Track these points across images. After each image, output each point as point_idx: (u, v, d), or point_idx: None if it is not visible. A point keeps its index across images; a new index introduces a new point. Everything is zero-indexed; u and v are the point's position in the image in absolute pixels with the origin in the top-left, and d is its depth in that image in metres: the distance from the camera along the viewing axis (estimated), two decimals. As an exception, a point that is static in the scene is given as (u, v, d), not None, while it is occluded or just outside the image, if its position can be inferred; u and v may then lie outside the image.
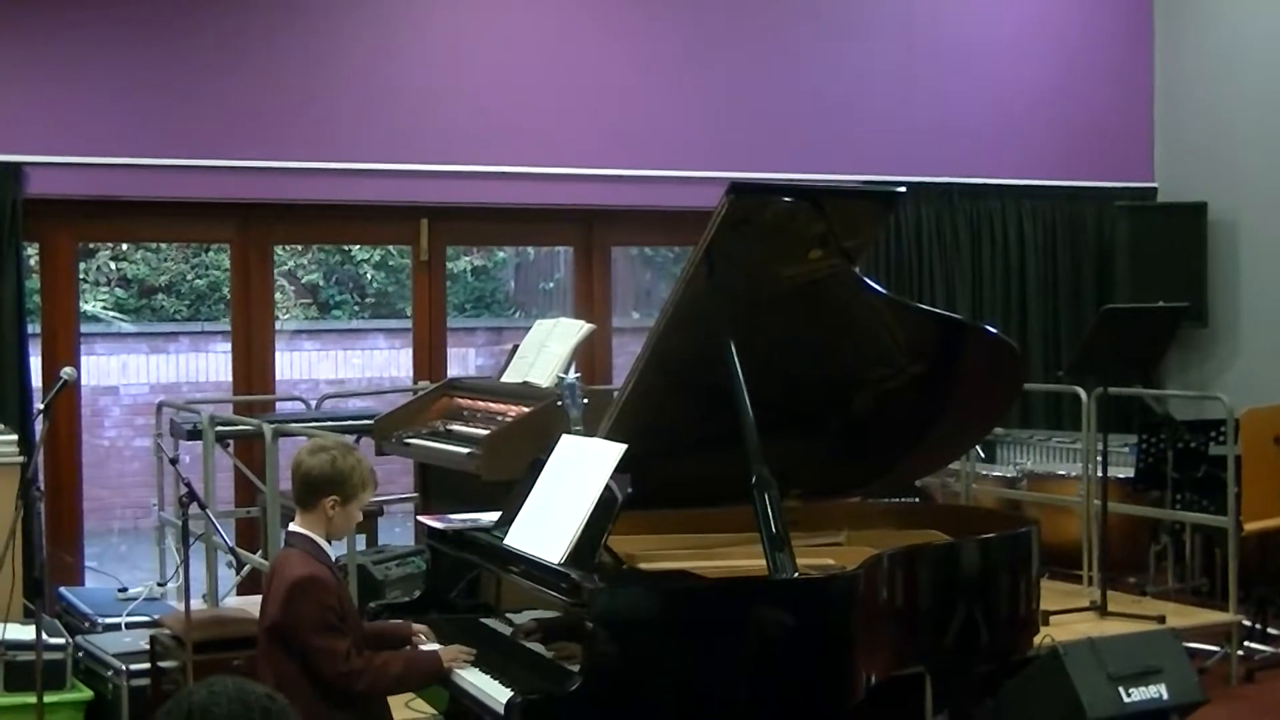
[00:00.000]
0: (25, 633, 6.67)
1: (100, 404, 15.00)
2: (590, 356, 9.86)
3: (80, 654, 7.08)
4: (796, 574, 4.60)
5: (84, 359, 10.13)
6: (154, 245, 16.37)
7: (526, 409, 7.29)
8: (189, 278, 17.09)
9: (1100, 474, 8.28)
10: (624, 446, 4.78)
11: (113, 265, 16.76)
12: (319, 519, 4.87)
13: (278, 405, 9.90)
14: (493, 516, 5.33)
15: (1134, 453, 9.06)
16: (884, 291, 5.61)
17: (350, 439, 5.88)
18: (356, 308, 18.03)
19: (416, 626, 5.15)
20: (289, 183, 9.22)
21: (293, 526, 4.93)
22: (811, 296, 5.29)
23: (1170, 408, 9.91)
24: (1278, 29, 10.50)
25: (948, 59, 10.82)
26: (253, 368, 9.53)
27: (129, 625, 7.46)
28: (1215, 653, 8.13)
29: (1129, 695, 6.90)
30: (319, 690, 4.68)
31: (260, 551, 7.94)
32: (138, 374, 15.48)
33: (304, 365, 16.04)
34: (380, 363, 16.29)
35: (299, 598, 4.69)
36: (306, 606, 4.68)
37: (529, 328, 8.24)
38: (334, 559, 5.03)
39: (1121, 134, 11.34)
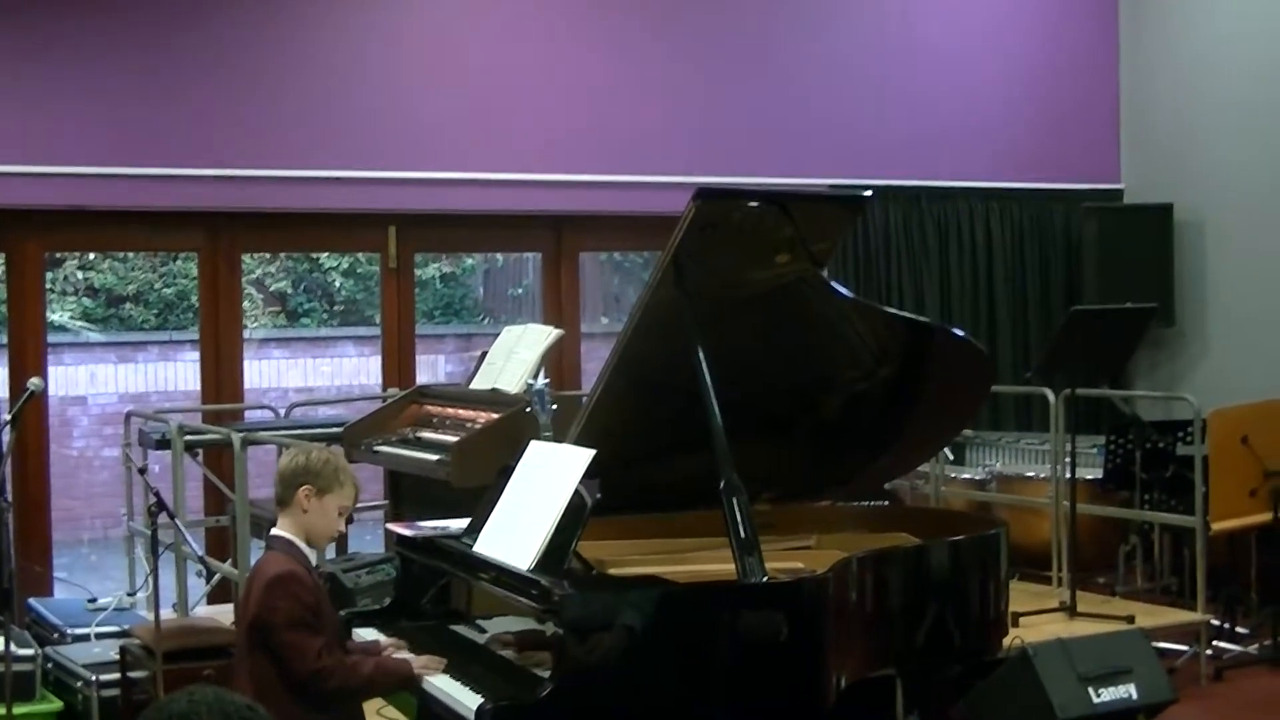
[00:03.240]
0: (-6, 644, 6.64)
1: (69, 414, 14.96)
2: (559, 362, 9.87)
3: (50, 664, 7.06)
4: (766, 578, 4.61)
5: (52, 369, 10.09)
6: (122, 255, 16.33)
7: (496, 415, 7.30)
8: (157, 287, 17.05)
9: (1069, 475, 8.32)
10: (592, 452, 4.79)
11: (80, 275, 16.71)
12: (296, 516, 4.89)
13: (247, 414, 9.88)
14: (463, 523, 5.33)
15: (1102, 453, 9.10)
16: (851, 295, 5.63)
17: (321, 446, 5.87)
18: (325, 315, 18.01)
19: (386, 641, 5.15)
20: (257, 191, 9.20)
21: (274, 530, 4.94)
22: (779, 301, 5.30)
23: (1138, 408, 9.95)
24: (1242, 30, 10.56)
25: (915, 63, 10.85)
26: (221, 376, 9.50)
27: (99, 635, 7.45)
28: (1185, 652, 8.16)
29: (1099, 695, 6.94)
30: (295, 691, 4.69)
31: (230, 560, 7.93)
32: (106, 384, 15.44)
33: (273, 373, 16.02)
34: (349, 370, 16.28)
35: (275, 593, 4.71)
36: (282, 601, 4.70)
37: (498, 334, 8.25)
38: (314, 564, 5.04)
39: (1088, 136, 11.38)
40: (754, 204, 5.05)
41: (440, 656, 4.90)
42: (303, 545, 4.91)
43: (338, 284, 17.87)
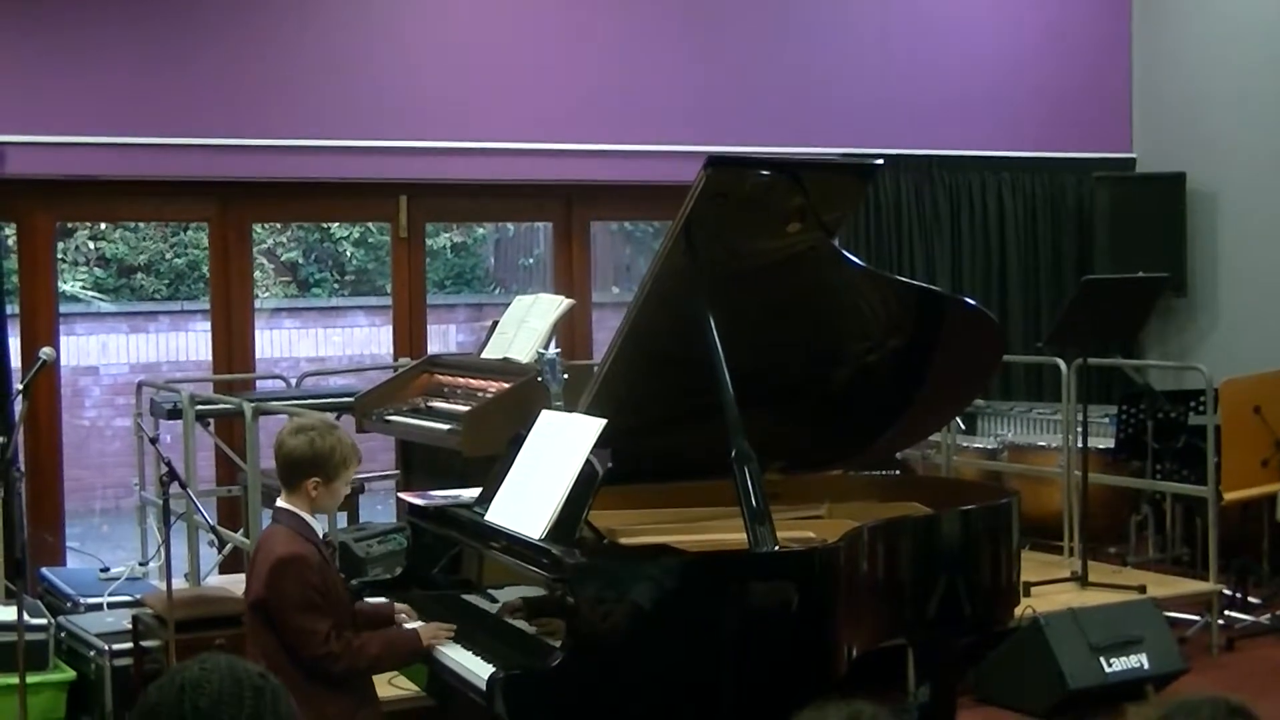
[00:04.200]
0: (7, 613, 6.65)
1: (80, 384, 14.97)
2: (570, 331, 9.86)
3: (62, 634, 7.07)
4: (777, 547, 4.61)
5: (63, 339, 10.11)
6: (132, 224, 16.33)
7: (507, 385, 7.29)
8: (168, 257, 17.05)
9: (1081, 445, 8.31)
10: (604, 421, 4.79)
11: (91, 245, 16.71)
12: (303, 497, 4.88)
13: (258, 384, 9.88)
14: (474, 493, 5.33)
15: (1114, 423, 9.09)
16: (863, 264, 5.63)
17: (331, 417, 5.87)
18: (336, 285, 18.01)
19: (399, 606, 5.16)
20: (267, 160, 9.19)
21: (280, 502, 4.93)
22: (791, 270, 5.29)
23: (1150, 378, 9.93)
24: (1255, -1, 10.54)
25: (926, 31, 10.81)
26: (233, 346, 9.50)
27: (111, 605, 7.45)
28: (1196, 622, 8.17)
29: (1110, 665, 6.96)
30: (302, 666, 4.69)
31: (242, 530, 7.94)
32: (117, 354, 15.44)
33: (284, 343, 16.01)
34: (360, 340, 16.27)
35: (281, 576, 4.70)
36: (288, 585, 4.69)
37: (509, 304, 8.23)
38: (322, 535, 5.04)
39: (1100, 105, 11.34)
40: (765, 173, 5.04)
41: (448, 623, 4.91)
42: (308, 518, 4.90)
43: (349, 254, 17.86)
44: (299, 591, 4.69)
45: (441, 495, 5.56)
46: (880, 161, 5.85)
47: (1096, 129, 11.31)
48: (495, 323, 8.16)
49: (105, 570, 8.09)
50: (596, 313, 10.71)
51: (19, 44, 8.70)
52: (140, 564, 8.37)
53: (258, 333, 9.99)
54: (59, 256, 11.27)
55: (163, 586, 6.41)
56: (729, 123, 10.08)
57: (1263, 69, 10.42)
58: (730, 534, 4.93)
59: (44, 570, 8.28)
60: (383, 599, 5.27)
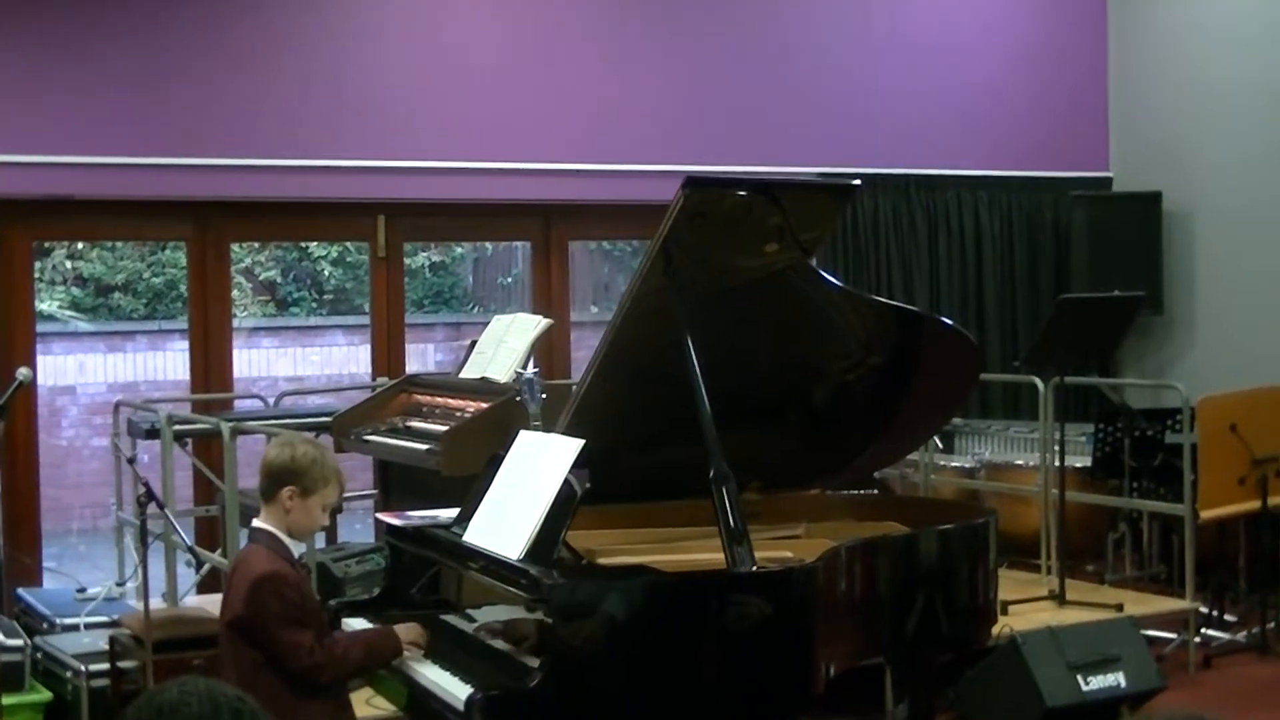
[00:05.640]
0: (-17, 634, 6.65)
1: (58, 404, 14.93)
2: (549, 351, 9.87)
3: (39, 655, 7.05)
4: (755, 567, 4.61)
5: (40, 359, 10.09)
6: (110, 244, 16.30)
7: (485, 404, 7.29)
8: (146, 276, 17.02)
9: (1058, 463, 8.32)
10: (582, 441, 4.78)
11: (69, 264, 16.68)
12: (279, 512, 4.89)
13: (236, 403, 9.87)
14: (452, 513, 5.32)
15: (1091, 442, 9.10)
16: (840, 284, 5.63)
17: (310, 436, 5.87)
18: (314, 304, 18.00)
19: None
20: (246, 180, 9.19)
21: (256, 522, 4.95)
22: (769, 289, 5.30)
23: (1127, 396, 9.95)
24: (1231, 19, 10.57)
25: (904, 51, 10.84)
26: (210, 366, 9.49)
27: (88, 626, 7.44)
28: (1173, 640, 8.18)
29: (1088, 683, 6.97)
30: (282, 681, 4.71)
31: (219, 550, 7.92)
32: (95, 373, 15.41)
33: (262, 363, 16.00)
34: (339, 359, 16.26)
35: (262, 594, 4.72)
36: (270, 601, 4.71)
37: (487, 323, 8.24)
38: (297, 556, 5.04)
39: (1077, 124, 11.38)
40: (743, 193, 5.05)
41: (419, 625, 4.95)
42: (284, 538, 4.92)
43: (327, 273, 17.85)
44: (280, 607, 4.71)
45: (420, 515, 5.55)
46: (858, 182, 5.87)
47: (1073, 148, 11.35)
48: (474, 342, 8.15)
49: (82, 590, 8.08)
50: (575, 332, 10.72)
51: (-4, 63, 8.70)
52: (117, 584, 8.35)
53: (236, 352, 9.98)
54: (36, 276, 11.23)
55: (140, 607, 6.40)
56: (707, 142, 10.10)
57: (1238, 90, 10.47)
58: (708, 554, 4.93)
59: (20, 590, 8.26)
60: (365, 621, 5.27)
